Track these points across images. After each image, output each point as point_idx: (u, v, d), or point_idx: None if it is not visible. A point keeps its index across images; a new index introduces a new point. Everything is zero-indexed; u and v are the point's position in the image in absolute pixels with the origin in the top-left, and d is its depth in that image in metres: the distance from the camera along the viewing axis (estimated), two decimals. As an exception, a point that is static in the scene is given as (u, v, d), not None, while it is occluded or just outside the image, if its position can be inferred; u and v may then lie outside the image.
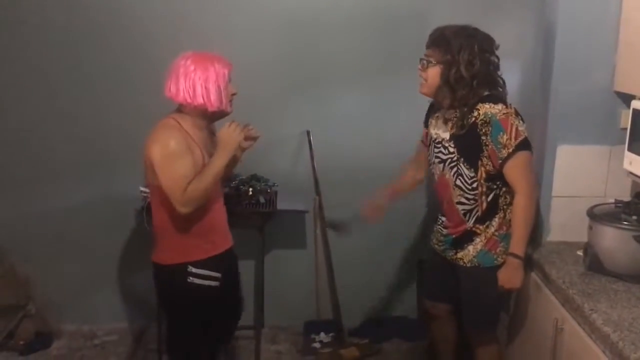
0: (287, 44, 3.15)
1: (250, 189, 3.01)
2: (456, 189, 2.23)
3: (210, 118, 2.23)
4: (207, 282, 2.26)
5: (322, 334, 3.28)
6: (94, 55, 3.10)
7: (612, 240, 1.98)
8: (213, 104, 2.13)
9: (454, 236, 2.31)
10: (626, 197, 2.14)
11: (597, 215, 2.05)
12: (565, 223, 2.29)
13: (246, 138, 2.24)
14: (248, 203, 2.99)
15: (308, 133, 3.19)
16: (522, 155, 2.09)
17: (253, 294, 3.27)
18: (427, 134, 2.37)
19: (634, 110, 1.97)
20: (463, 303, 2.38)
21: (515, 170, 2.11)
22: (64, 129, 3.19)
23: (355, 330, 3.36)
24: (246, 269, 3.28)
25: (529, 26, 3.08)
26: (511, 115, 2.11)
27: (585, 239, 2.10)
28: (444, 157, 2.24)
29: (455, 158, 2.20)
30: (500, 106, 2.11)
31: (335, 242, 3.30)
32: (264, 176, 3.15)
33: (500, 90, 2.20)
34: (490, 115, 2.10)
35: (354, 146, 3.17)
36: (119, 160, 3.18)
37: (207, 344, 2.45)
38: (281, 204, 3.07)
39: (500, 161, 2.11)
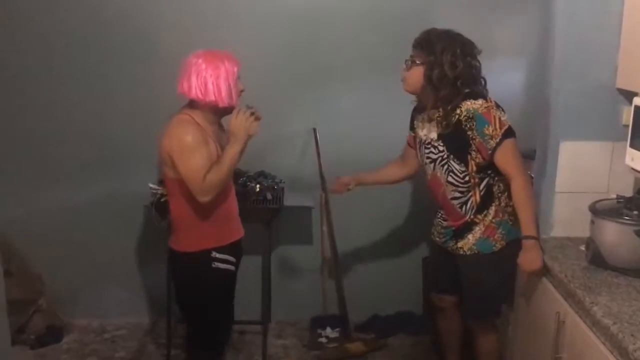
0: (293, 42, 3.19)
1: (258, 186, 3.05)
2: (449, 185, 2.32)
3: (220, 113, 2.32)
4: (227, 266, 2.38)
5: (329, 329, 3.32)
6: (103, 54, 3.15)
7: (613, 235, 2.00)
8: (224, 100, 2.23)
9: (454, 228, 2.39)
10: (628, 193, 2.15)
11: (599, 211, 2.07)
12: (568, 219, 2.31)
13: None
14: (255, 199, 3.03)
15: (314, 130, 3.23)
16: (509, 142, 2.21)
17: (260, 289, 3.32)
18: (414, 137, 2.47)
19: (636, 107, 1.98)
20: (463, 291, 2.46)
21: (505, 157, 2.22)
22: (74, 127, 3.24)
23: (362, 325, 3.40)
24: (253, 265, 3.33)
25: (533, 24, 3.12)
26: (492, 108, 2.22)
27: (587, 235, 2.13)
28: (434, 156, 2.33)
29: (445, 156, 2.30)
30: (480, 101, 2.22)
31: (341, 237, 3.33)
32: (271, 173, 3.20)
33: (481, 88, 2.30)
34: (472, 111, 2.20)
35: (360, 143, 3.21)
36: (128, 157, 3.23)
37: (228, 330, 2.57)
38: (288, 200, 3.11)
39: (490, 152, 2.22)
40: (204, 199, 2.21)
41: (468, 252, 2.36)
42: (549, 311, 2.04)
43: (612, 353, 1.63)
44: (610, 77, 2.19)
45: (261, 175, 3.17)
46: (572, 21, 2.20)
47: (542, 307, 2.15)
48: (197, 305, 2.43)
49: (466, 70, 2.22)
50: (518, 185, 2.23)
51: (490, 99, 2.26)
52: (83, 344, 3.28)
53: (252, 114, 2.27)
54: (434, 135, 2.31)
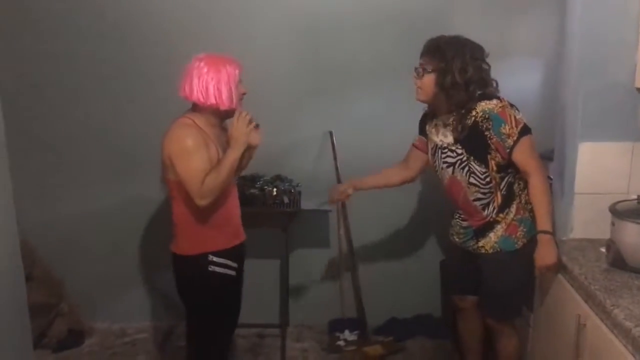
0: (310, 46, 3.20)
1: (275, 190, 3.06)
2: (471, 187, 2.32)
3: (222, 116, 2.34)
4: (226, 271, 2.37)
5: (347, 332, 3.32)
6: (125, 58, 3.18)
7: (634, 236, 1.97)
8: (225, 103, 2.26)
9: (474, 227, 2.39)
10: (649, 194, 2.13)
11: (619, 212, 2.04)
12: (588, 220, 2.29)
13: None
14: (272, 203, 3.04)
15: (331, 134, 3.23)
16: (526, 139, 2.23)
17: (278, 292, 3.33)
18: (426, 142, 2.49)
19: (656, 107, 1.97)
20: (483, 290, 2.46)
21: (523, 155, 2.23)
22: (96, 133, 3.28)
23: (380, 328, 3.39)
24: (271, 268, 3.34)
25: (549, 24, 3.09)
26: (507, 107, 2.24)
27: (608, 236, 2.10)
28: (453, 160, 2.34)
29: (464, 159, 2.30)
30: (494, 101, 2.25)
31: (359, 241, 3.33)
32: (287, 177, 3.21)
33: (493, 90, 2.31)
34: (488, 111, 2.23)
35: (376, 146, 3.20)
36: (147, 162, 3.24)
37: (228, 334, 2.55)
38: (305, 204, 3.12)
39: (508, 150, 2.23)
40: (202, 202, 2.22)
41: (490, 251, 2.36)
42: (569, 314, 2.02)
43: (634, 356, 1.61)
44: (629, 76, 2.17)
45: (278, 179, 3.18)
46: (589, 20, 2.18)
47: (563, 309, 2.13)
48: (195, 308, 2.44)
49: (477, 74, 2.24)
50: (536, 181, 2.25)
51: (503, 98, 2.28)
52: (104, 347, 3.31)
53: (250, 122, 2.28)
54: (450, 139, 2.33)
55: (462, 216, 2.45)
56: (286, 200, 3.06)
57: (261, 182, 3.11)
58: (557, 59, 2.63)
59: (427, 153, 2.50)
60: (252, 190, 3.05)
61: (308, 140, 3.28)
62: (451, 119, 2.29)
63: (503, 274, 2.37)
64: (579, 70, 2.23)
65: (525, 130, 2.23)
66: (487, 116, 2.22)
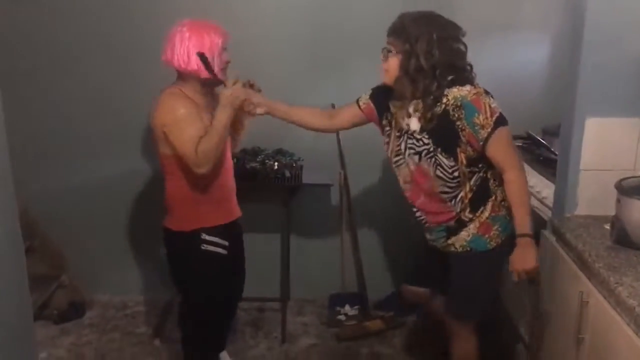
0: (312, 18, 3.15)
1: (276, 163, 3.04)
2: (437, 179, 2.16)
3: (207, 84, 2.30)
4: (217, 250, 2.36)
5: (347, 307, 3.32)
6: (126, 32, 3.13)
7: (640, 213, 1.95)
8: (205, 70, 2.21)
9: (446, 224, 2.23)
10: (656, 171, 2.10)
11: (625, 188, 2.01)
12: (593, 197, 2.26)
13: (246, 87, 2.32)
14: (274, 177, 3.02)
15: (333, 107, 3.19)
16: (502, 131, 2.05)
17: (279, 267, 3.33)
18: (374, 110, 2.30)
19: (666, 82, 1.93)
20: (449, 289, 2.32)
21: (499, 148, 2.07)
22: (96, 104, 3.25)
23: (380, 303, 3.39)
24: (272, 242, 3.33)
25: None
26: (481, 95, 2.06)
27: (613, 213, 2.08)
28: (419, 148, 2.15)
29: (431, 149, 2.12)
30: (468, 87, 2.06)
31: (360, 215, 3.31)
32: (289, 150, 3.18)
33: (467, 75, 2.12)
34: (460, 99, 2.04)
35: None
36: (150, 133, 3.22)
37: (219, 314, 2.54)
38: (306, 178, 3.09)
39: (481, 143, 2.06)
40: (201, 170, 2.19)
41: (460, 250, 2.22)
42: (572, 291, 2.01)
43: (636, 334, 1.60)
44: (639, 49, 2.12)
45: (279, 152, 3.16)
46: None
47: (565, 286, 2.11)
48: (187, 285, 2.44)
49: (445, 58, 2.04)
50: (512, 178, 2.09)
51: (478, 84, 2.11)
52: (105, 319, 3.33)
53: (252, 85, 2.28)
54: (416, 127, 2.13)
55: (422, 217, 2.28)
56: (287, 174, 3.04)
57: (262, 156, 3.09)
58: (565, 33, 2.58)
59: (368, 121, 2.34)
60: (253, 164, 3.02)
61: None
62: (419, 106, 2.11)
63: (472, 274, 2.25)
64: (587, 44, 2.18)
65: (501, 121, 2.05)
66: (458, 104, 2.04)
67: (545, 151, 2.79)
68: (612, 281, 1.76)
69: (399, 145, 2.21)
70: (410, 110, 2.14)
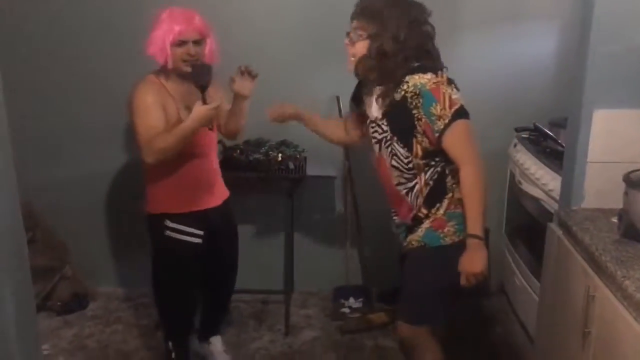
0: (316, 9, 3.11)
1: (280, 155, 3.02)
2: (393, 169, 2.08)
3: (174, 73, 2.32)
4: (186, 238, 2.39)
5: (351, 299, 3.31)
6: (130, 23, 3.09)
7: (648, 206, 1.92)
8: (158, 58, 2.27)
9: (408, 223, 2.14)
10: (665, 163, 2.07)
11: (633, 181, 1.98)
12: (600, 189, 2.23)
13: (244, 73, 2.36)
14: (277, 169, 3.00)
15: (338, 99, 3.17)
16: (460, 124, 1.94)
17: (283, 259, 3.31)
18: (359, 114, 2.24)
19: (676, 73, 1.89)
20: (401, 289, 2.18)
21: (455, 141, 1.95)
22: (100, 96, 3.23)
23: (384, 296, 3.37)
24: (276, 235, 3.32)
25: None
26: (442, 84, 1.95)
27: (620, 206, 2.05)
28: (379, 136, 2.09)
29: (388, 137, 2.05)
30: (429, 75, 1.96)
31: (365, 207, 3.29)
32: (293, 142, 3.16)
33: (434, 61, 2.02)
34: (419, 86, 1.94)
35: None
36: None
37: (177, 302, 2.60)
38: (310, 170, 3.07)
39: (437, 134, 1.95)
40: (147, 160, 2.26)
41: (415, 245, 2.11)
42: (578, 285, 1.99)
43: (644, 329, 1.58)
44: (649, 40, 2.09)
45: (283, 144, 3.13)
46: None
47: (571, 280, 2.09)
48: (153, 268, 2.53)
49: (414, 41, 1.96)
50: (468, 173, 1.97)
51: (442, 73, 1.99)
52: (108, 311, 3.33)
53: (250, 72, 2.30)
54: (379, 113, 2.07)
55: (394, 210, 2.20)
56: (291, 166, 3.02)
57: (266, 148, 3.07)
58: (573, 23, 2.54)
59: (362, 124, 2.25)
60: (257, 156, 3.00)
61: (314, 105, 3.18)
62: (382, 91, 2.03)
63: (423, 271, 2.11)
64: (596, 34, 2.14)
65: (460, 113, 1.94)
66: (417, 92, 1.94)
67: (552, 143, 2.76)
68: (619, 275, 1.73)
69: (369, 135, 2.16)
70: (374, 96, 2.07)
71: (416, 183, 2.06)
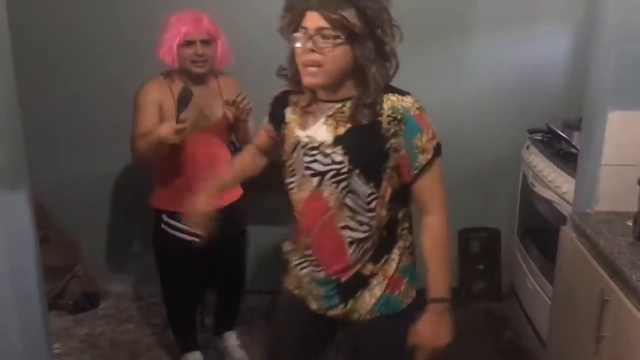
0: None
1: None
2: (344, 209, 1.60)
3: (183, 74, 2.39)
4: (178, 234, 2.39)
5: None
6: (144, 22, 3.10)
7: (664, 210, 1.90)
8: (165, 59, 2.33)
9: (341, 280, 1.66)
10: (681, 166, 2.05)
11: (648, 184, 1.97)
12: (615, 192, 2.20)
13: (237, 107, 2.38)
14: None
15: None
16: (438, 163, 1.59)
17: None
18: (281, 134, 1.72)
19: (693, 74, 1.87)
20: None
21: (432, 184, 1.60)
22: (113, 96, 3.22)
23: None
24: (283, 235, 3.27)
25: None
26: (423, 111, 1.57)
27: (635, 209, 2.03)
28: (323, 168, 1.58)
29: (344, 170, 1.56)
30: (409, 98, 1.56)
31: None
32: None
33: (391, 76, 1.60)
34: (401, 111, 1.53)
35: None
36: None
37: (173, 296, 2.72)
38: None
39: (415, 172, 1.57)
40: (132, 154, 2.40)
41: (367, 317, 1.67)
42: (591, 288, 1.97)
43: (660, 334, 1.56)
44: (665, 41, 2.06)
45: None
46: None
47: (585, 284, 2.07)
48: (156, 263, 2.63)
49: (388, 47, 1.54)
50: (438, 224, 1.62)
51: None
52: (119, 310, 3.34)
53: (238, 103, 2.32)
54: (328, 138, 1.57)
55: (315, 261, 1.69)
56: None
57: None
58: (587, 24, 2.52)
59: (273, 149, 1.82)
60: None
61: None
62: (337, 110, 1.57)
63: (391, 345, 1.69)
64: (610, 35, 2.12)
65: (439, 150, 1.58)
66: (399, 117, 1.53)
67: (566, 145, 2.73)
68: (635, 279, 1.72)
69: (293, 163, 1.66)
70: (323, 116, 1.59)
71: (368, 232, 1.62)
